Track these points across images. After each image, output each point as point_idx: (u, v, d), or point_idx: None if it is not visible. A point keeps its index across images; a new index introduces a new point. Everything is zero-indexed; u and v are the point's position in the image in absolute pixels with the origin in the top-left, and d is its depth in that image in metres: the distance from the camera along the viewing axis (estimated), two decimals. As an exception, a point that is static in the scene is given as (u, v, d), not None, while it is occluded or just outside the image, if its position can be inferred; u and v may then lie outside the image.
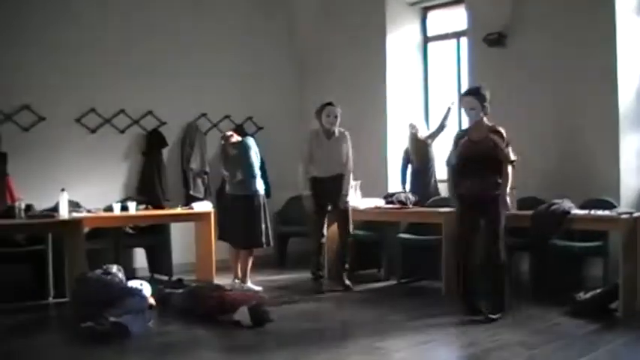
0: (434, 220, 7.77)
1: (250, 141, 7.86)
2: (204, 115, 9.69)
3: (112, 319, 5.67)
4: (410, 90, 9.93)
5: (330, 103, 7.75)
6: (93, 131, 8.77)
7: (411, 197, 8.44)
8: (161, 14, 9.34)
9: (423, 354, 5.31)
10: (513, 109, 7.93)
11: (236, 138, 7.89)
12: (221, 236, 8.01)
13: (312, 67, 10.81)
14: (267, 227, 7.72)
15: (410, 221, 8.42)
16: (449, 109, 8.83)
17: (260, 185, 7.75)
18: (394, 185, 9.45)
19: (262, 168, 8.07)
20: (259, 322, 6.03)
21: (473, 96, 6.38)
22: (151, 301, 6.64)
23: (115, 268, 6.62)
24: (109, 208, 7.95)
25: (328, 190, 7.77)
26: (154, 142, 9.21)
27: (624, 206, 7.10)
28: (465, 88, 8.85)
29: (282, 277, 8.68)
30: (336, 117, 7.73)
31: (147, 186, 9.05)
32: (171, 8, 9.44)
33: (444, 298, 7.26)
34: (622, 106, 7.46)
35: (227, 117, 9.88)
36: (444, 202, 8.10)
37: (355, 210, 8.29)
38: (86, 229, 7.60)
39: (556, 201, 6.87)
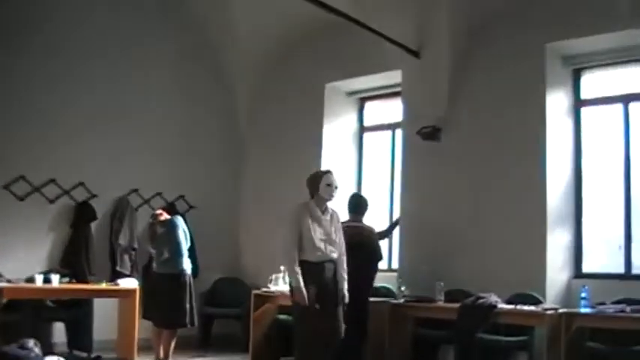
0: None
1: (179, 220, 7.81)
2: (135, 190, 9.60)
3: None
4: (344, 178, 10.01)
5: (329, 171, 6.67)
6: (21, 199, 8.60)
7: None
8: (101, 86, 9.32)
9: None
10: (443, 202, 8.08)
11: (165, 216, 7.84)
12: (145, 315, 7.85)
13: (249, 149, 10.87)
14: (191, 307, 7.59)
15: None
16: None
17: (187, 264, 7.65)
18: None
19: (191, 248, 7.99)
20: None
21: None
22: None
23: (31, 343, 6.43)
24: (31, 279, 7.71)
25: (325, 279, 6.27)
26: (83, 214, 9.05)
27: (549, 302, 7.20)
28: (398, 179, 9.06)
29: (206, 360, 8.49)
30: (336, 187, 6.54)
31: (72, 258, 8.82)
32: (110, 80, 9.42)
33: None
34: (550, 203, 7.65)
35: (159, 194, 9.80)
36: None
37: (282, 295, 8.21)
38: (4, 300, 7.35)
39: (482, 295, 6.94)
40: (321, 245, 6.26)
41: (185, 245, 7.67)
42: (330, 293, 6.21)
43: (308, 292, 6.03)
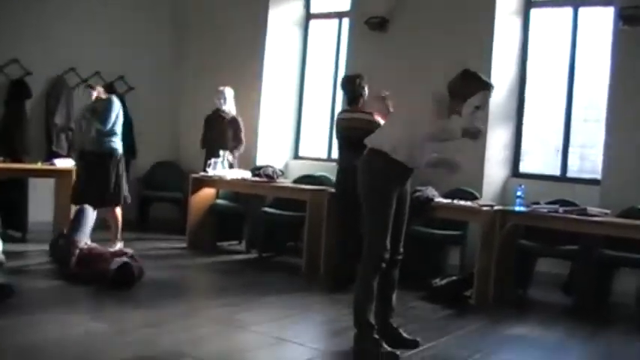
0: (300, 197, 7.77)
1: (115, 100, 7.54)
2: (72, 69, 9.30)
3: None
4: (287, 65, 9.90)
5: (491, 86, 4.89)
6: (-49, 75, 8.28)
7: (278, 171, 8.42)
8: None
9: (281, 329, 5.31)
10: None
11: (100, 95, 7.58)
12: (76, 199, 7.54)
13: (190, 33, 10.61)
14: (120, 186, 7.46)
15: (276, 196, 8.42)
16: None
17: (118, 144, 7.46)
18: (263, 158, 9.43)
19: (129, 130, 7.81)
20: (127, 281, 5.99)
21: None
22: (1, 258, 6.38)
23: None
24: (-37, 158, 7.53)
25: None
26: (17, 92, 8.76)
27: (486, 199, 7.36)
28: (342, 69, 8.98)
29: (144, 244, 8.44)
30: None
31: (6, 138, 8.60)
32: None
33: (303, 275, 7.30)
34: (493, 99, 7.63)
35: (97, 73, 9.49)
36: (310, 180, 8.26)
37: (222, 181, 8.26)
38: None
39: (419, 188, 7.01)
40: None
41: (118, 126, 7.47)
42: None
43: None
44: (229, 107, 8.83)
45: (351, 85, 6.90)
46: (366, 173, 4.70)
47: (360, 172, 4.74)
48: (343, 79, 7.18)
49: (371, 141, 4.79)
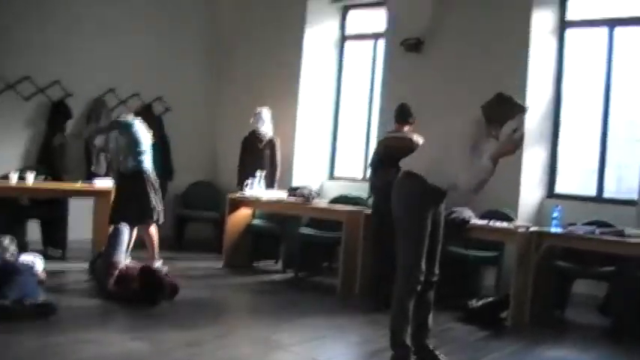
0: (336, 218, 7.81)
1: (131, 122, 7.68)
2: (112, 90, 9.46)
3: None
4: (323, 86, 9.98)
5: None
6: (-5, 96, 8.47)
7: (314, 192, 8.47)
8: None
9: (316, 349, 5.36)
10: (423, 114, 8.06)
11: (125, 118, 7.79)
12: (113, 220, 7.59)
13: (228, 54, 10.72)
14: (154, 204, 7.58)
15: (312, 216, 8.48)
16: None
17: (147, 163, 7.60)
18: (299, 178, 9.50)
19: (166, 150, 7.88)
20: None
21: None
22: (42, 276, 6.49)
23: (7, 240, 6.45)
24: (6, 177, 7.67)
25: None
26: (58, 113, 8.95)
27: (521, 220, 7.32)
28: (377, 90, 9.04)
29: (181, 263, 8.53)
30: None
31: (48, 158, 8.79)
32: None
33: (339, 296, 7.32)
34: (529, 120, 7.64)
35: (136, 94, 9.66)
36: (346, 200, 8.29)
37: (258, 201, 8.34)
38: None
39: (456, 209, 7.02)
40: None
41: (142, 145, 7.59)
42: None
43: None
44: (266, 129, 8.92)
45: (406, 109, 7.08)
46: (401, 195, 4.74)
47: (395, 194, 4.78)
48: (401, 104, 7.21)
49: (406, 164, 4.83)
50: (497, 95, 4.75)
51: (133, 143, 7.54)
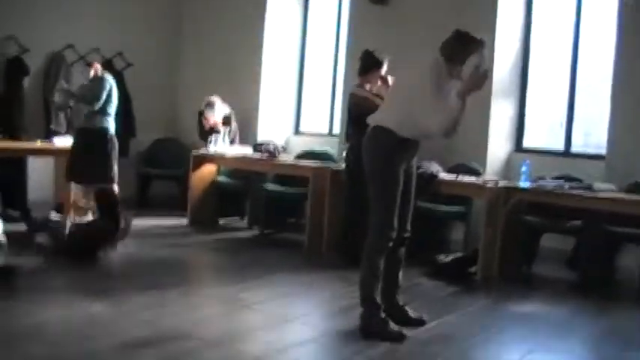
0: (302, 173, 7.71)
1: (108, 78, 7.44)
2: (70, 46, 9.18)
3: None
4: (287, 40, 9.80)
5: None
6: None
7: (279, 147, 8.35)
8: None
9: (284, 307, 5.31)
10: (390, 67, 7.95)
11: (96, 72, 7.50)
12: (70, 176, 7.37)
13: (190, 8, 10.49)
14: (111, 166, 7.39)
15: (277, 172, 8.37)
16: None
17: (110, 124, 7.37)
18: (264, 134, 9.37)
19: (128, 107, 7.72)
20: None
21: None
22: (2, 239, 6.32)
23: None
24: (-40, 136, 7.45)
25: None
26: (14, 69, 8.65)
27: (489, 174, 7.31)
28: (343, 43, 8.89)
29: (145, 221, 8.35)
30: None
31: (4, 116, 8.48)
32: None
33: (305, 252, 7.25)
34: (496, 75, 7.59)
35: (95, 50, 9.35)
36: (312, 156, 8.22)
37: (223, 157, 8.22)
38: None
39: (423, 163, 6.94)
40: None
41: (110, 106, 7.36)
42: None
43: None
44: (217, 117, 8.70)
45: (365, 59, 6.81)
46: (372, 151, 4.63)
47: (366, 150, 4.67)
48: (363, 53, 6.92)
49: (375, 119, 4.72)
50: (455, 32, 4.66)
51: (106, 102, 7.29)
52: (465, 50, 4.57)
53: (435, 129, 4.46)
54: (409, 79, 4.69)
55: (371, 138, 4.65)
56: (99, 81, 7.24)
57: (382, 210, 4.55)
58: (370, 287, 4.61)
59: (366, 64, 6.78)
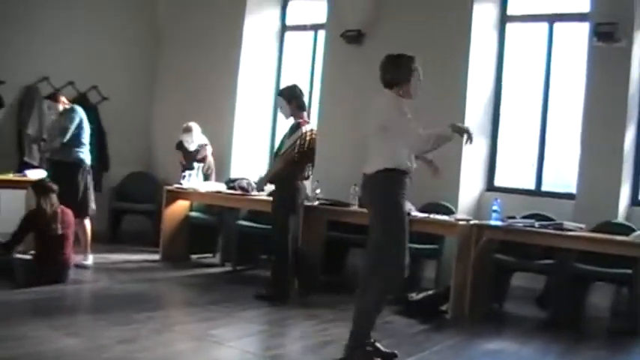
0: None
1: (77, 110, 7.47)
2: (45, 78, 9.18)
3: None
4: (263, 77, 9.87)
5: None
6: None
7: (253, 184, 8.36)
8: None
9: (254, 344, 5.30)
10: (362, 107, 8.02)
11: (63, 105, 7.52)
12: None
13: (165, 43, 10.54)
14: (92, 199, 7.39)
15: (250, 208, 8.36)
16: None
17: (85, 155, 7.39)
18: (238, 171, 9.37)
19: (101, 140, 7.72)
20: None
21: (280, 96, 6.94)
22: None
23: None
24: None
25: None
26: (-11, 101, 8.66)
27: (461, 213, 7.35)
28: (318, 81, 8.96)
29: (116, 256, 8.33)
30: None
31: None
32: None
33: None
34: (468, 114, 7.70)
35: (70, 83, 9.38)
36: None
37: (196, 193, 8.22)
38: None
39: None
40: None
41: (82, 136, 7.37)
42: None
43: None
44: (194, 145, 8.86)
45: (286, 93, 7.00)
46: (381, 192, 4.77)
47: (373, 191, 4.82)
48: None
49: (371, 168, 4.81)
50: (387, 57, 4.95)
51: (77, 133, 7.29)
52: (402, 67, 4.89)
53: (418, 141, 4.73)
54: (374, 122, 4.88)
55: (377, 180, 4.76)
56: (68, 112, 7.29)
57: (396, 247, 4.70)
58: (372, 322, 4.71)
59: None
